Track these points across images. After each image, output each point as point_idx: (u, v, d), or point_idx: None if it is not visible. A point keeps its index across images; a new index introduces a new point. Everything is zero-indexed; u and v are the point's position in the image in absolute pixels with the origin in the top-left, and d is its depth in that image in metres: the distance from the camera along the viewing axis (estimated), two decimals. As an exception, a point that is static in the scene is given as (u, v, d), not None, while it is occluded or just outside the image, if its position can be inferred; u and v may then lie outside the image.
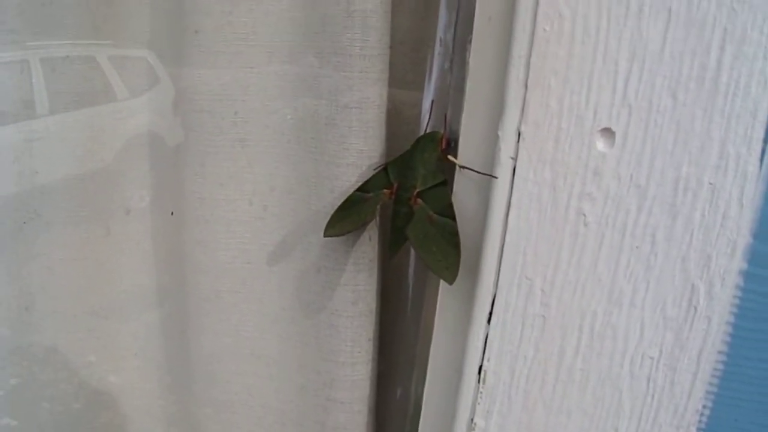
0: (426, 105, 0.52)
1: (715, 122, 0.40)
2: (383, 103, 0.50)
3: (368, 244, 0.53)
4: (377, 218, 0.52)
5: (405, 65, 0.51)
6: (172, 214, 0.58)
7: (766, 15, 0.38)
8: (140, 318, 0.62)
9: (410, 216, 0.46)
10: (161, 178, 0.59)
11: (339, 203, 0.50)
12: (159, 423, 0.65)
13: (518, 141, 0.43)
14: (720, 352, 0.44)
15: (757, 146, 0.40)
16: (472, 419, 0.49)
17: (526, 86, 0.42)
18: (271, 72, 0.52)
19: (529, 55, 0.41)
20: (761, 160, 0.40)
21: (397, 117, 0.51)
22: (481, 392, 0.48)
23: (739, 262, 0.42)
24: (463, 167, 0.45)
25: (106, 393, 0.64)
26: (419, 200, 0.46)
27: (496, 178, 0.44)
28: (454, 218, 0.44)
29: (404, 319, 0.57)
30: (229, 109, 0.53)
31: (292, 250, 0.55)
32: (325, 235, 0.50)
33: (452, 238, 0.44)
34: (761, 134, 0.40)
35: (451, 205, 0.45)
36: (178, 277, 0.59)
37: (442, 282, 0.48)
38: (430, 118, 0.50)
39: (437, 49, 0.51)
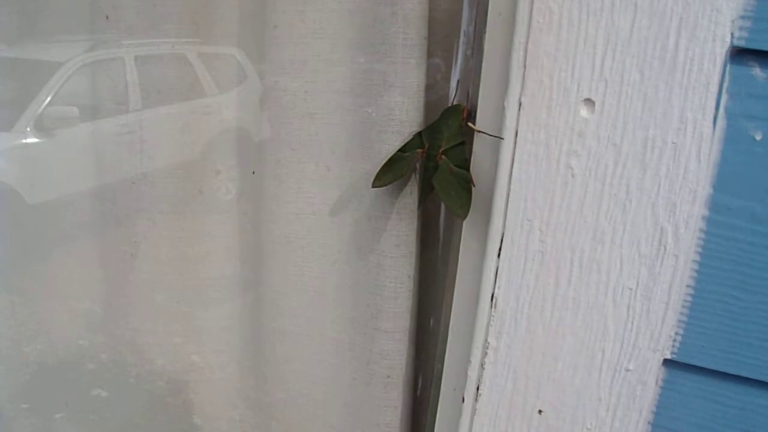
0: (453, 83, 0.66)
1: (675, 93, 0.51)
2: (422, 82, 0.64)
3: (409, 197, 0.66)
4: (416, 175, 0.66)
5: (437, 52, 0.65)
6: (253, 173, 0.73)
7: (713, 6, 0.49)
8: (223, 260, 0.78)
9: (436, 169, 0.60)
10: (245, 144, 0.75)
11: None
12: (229, 349, 0.80)
13: (519, 110, 0.55)
14: (688, 286, 0.54)
15: (710, 113, 0.51)
16: (486, 339, 0.61)
17: (524, 66, 0.55)
18: (334, 59, 0.66)
19: (527, 42, 0.54)
20: (714, 123, 0.51)
21: (431, 93, 0.65)
22: (493, 316, 0.61)
23: (700, 209, 0.53)
24: (479, 131, 0.58)
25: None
26: (443, 157, 0.59)
27: (502, 139, 0.56)
28: (468, 169, 0.58)
29: (436, 260, 0.70)
30: (301, 89, 0.68)
31: (349, 203, 0.69)
32: (373, 186, 0.64)
33: (466, 184, 0.57)
34: (713, 103, 0.51)
35: (466, 160, 0.58)
36: (256, 225, 0.74)
37: (464, 226, 0.62)
38: (456, 93, 0.63)
39: (461, 39, 0.64)
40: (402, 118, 0.64)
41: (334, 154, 0.69)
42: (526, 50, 0.54)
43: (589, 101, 0.53)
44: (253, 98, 0.70)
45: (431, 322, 0.72)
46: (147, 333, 0.81)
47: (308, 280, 0.73)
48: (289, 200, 0.71)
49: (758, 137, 0.51)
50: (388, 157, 0.64)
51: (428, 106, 0.65)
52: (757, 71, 0.50)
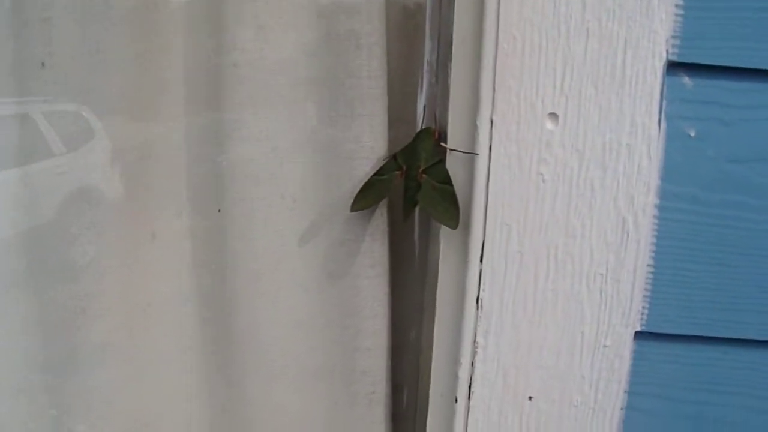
0: (420, 109, 0.73)
1: (625, 102, 0.61)
2: (385, 111, 0.70)
3: (380, 219, 0.72)
4: (387, 202, 0.72)
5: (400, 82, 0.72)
6: (219, 211, 0.75)
7: (650, 29, 0.60)
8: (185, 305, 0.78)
9: (418, 188, 0.66)
10: (208, 182, 0.76)
11: (356, 189, 0.70)
12: (205, 389, 0.80)
13: (491, 127, 0.63)
14: (649, 265, 0.65)
15: (655, 116, 0.62)
16: (474, 339, 0.68)
17: (494, 88, 0.62)
18: (298, 96, 0.71)
19: (495, 65, 0.62)
20: (659, 125, 0.62)
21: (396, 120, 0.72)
22: (480, 317, 0.67)
23: (653, 198, 0.63)
24: (453, 150, 0.65)
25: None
26: (424, 175, 0.66)
27: (477, 154, 0.64)
28: (451, 184, 0.64)
29: (412, 276, 0.77)
30: (264, 125, 0.72)
31: (319, 231, 0.74)
32: (352, 210, 0.69)
33: (452, 198, 0.64)
34: (656, 107, 0.61)
35: (448, 176, 0.65)
36: (220, 266, 0.75)
37: (442, 239, 0.68)
38: (423, 118, 0.70)
39: (425, 67, 0.71)
40: (371, 145, 0.70)
41: (302, 186, 0.73)
42: (494, 73, 0.62)
43: (553, 115, 0.62)
44: (105, 155, 0.68)
45: (412, 335, 0.78)
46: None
47: (281, 312, 0.76)
48: (256, 236, 0.74)
49: (692, 134, 0.62)
50: (360, 181, 0.70)
51: (395, 132, 0.71)
52: (686, 80, 0.62)
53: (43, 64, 0.64)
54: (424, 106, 0.72)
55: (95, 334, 0.70)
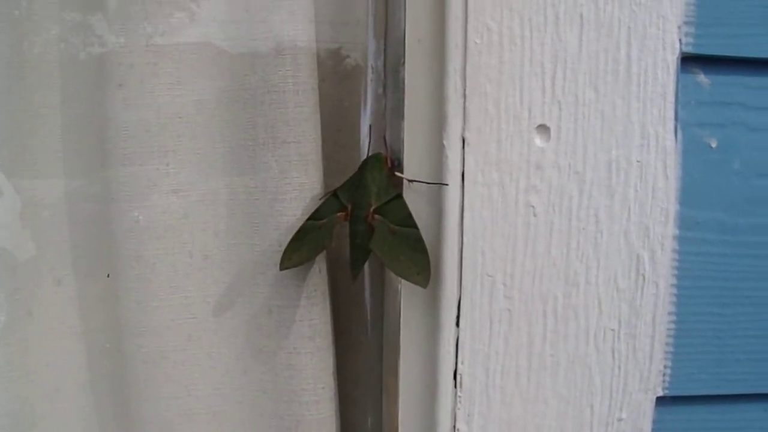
0: (364, 130, 0.58)
1: (633, 107, 0.49)
2: (318, 135, 0.55)
3: (318, 276, 0.57)
4: (326, 253, 0.57)
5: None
6: (108, 276, 0.59)
7: (658, 13, 0.48)
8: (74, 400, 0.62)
9: (369, 233, 0.51)
10: (93, 241, 0.60)
11: (286, 239, 0.54)
12: None
13: (463, 147, 0.50)
14: (670, 313, 0.52)
15: (671, 123, 0.50)
16: (454, 426, 0.54)
17: (464, 96, 0.49)
18: (201, 120, 0.55)
19: (464, 68, 0.49)
20: (675, 135, 0.50)
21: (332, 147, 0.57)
22: (459, 396, 0.53)
23: (672, 228, 0.51)
24: (413, 180, 0.51)
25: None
26: (377, 216, 0.51)
27: (446, 185, 0.50)
28: (416, 226, 0.50)
29: (364, 347, 0.62)
30: (161, 161, 0.56)
31: (239, 296, 0.58)
32: (282, 268, 0.53)
33: (418, 245, 0.50)
34: (672, 113, 0.50)
35: (410, 215, 0.50)
36: (116, 343, 0.59)
37: (402, 297, 0.54)
38: (370, 142, 0.56)
39: (369, 76, 0.57)
40: (301, 181, 0.55)
41: (215, 238, 0.57)
42: (464, 77, 0.49)
43: (543, 127, 0.49)
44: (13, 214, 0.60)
45: (369, 423, 0.62)
46: None
47: (195, 402, 0.59)
48: (159, 304, 0.58)
49: (713, 144, 0.51)
50: (290, 230, 0.54)
51: (331, 161, 0.56)
52: (702, 78, 0.50)
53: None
54: (370, 126, 0.58)
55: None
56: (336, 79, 0.58)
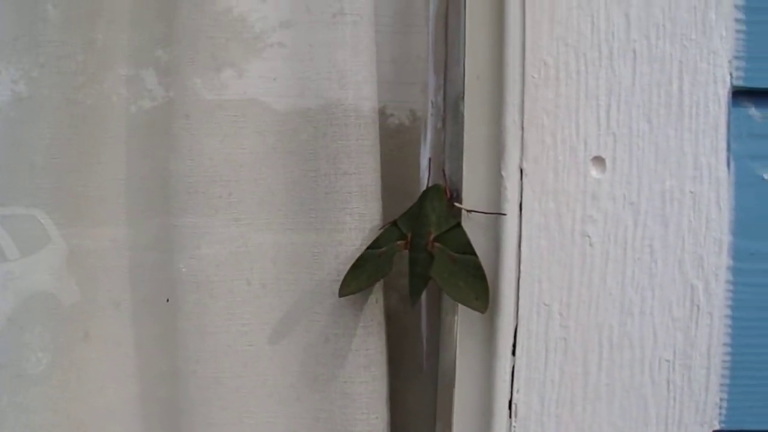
0: (424, 163, 0.61)
1: (686, 139, 0.51)
2: (378, 167, 0.58)
3: (375, 306, 0.59)
4: (382, 283, 0.59)
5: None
6: (167, 301, 0.61)
7: (709, 48, 0.51)
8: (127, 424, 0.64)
9: (429, 260, 0.53)
10: (153, 265, 0.62)
11: (344, 268, 0.56)
12: None
13: (521, 177, 0.52)
14: (725, 344, 0.53)
15: (723, 154, 0.52)
16: (509, 456, 0.54)
17: (522, 128, 0.52)
18: (262, 151, 0.58)
19: (522, 101, 0.51)
20: (728, 166, 0.52)
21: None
22: (514, 426, 0.54)
23: (726, 259, 0.52)
24: (471, 210, 0.53)
25: None
26: (437, 244, 0.53)
27: (504, 215, 0.52)
28: (475, 254, 0.52)
29: (419, 377, 0.63)
30: (224, 190, 0.59)
31: (296, 324, 0.60)
32: (341, 295, 0.55)
33: (477, 272, 0.52)
34: (724, 144, 0.52)
35: (469, 243, 0.52)
36: (172, 369, 0.61)
37: (459, 326, 0.55)
38: (429, 174, 0.58)
39: (429, 110, 0.60)
40: (360, 211, 0.57)
41: (274, 266, 0.59)
42: (522, 110, 0.51)
43: (599, 159, 0.51)
44: (60, 260, 0.64)
45: (422, 453, 0.63)
46: None
47: (247, 429, 0.61)
48: (216, 330, 0.60)
49: (766, 176, 0.52)
50: (348, 260, 0.57)
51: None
52: (753, 111, 0.52)
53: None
54: (429, 159, 0.60)
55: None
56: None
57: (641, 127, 0.51)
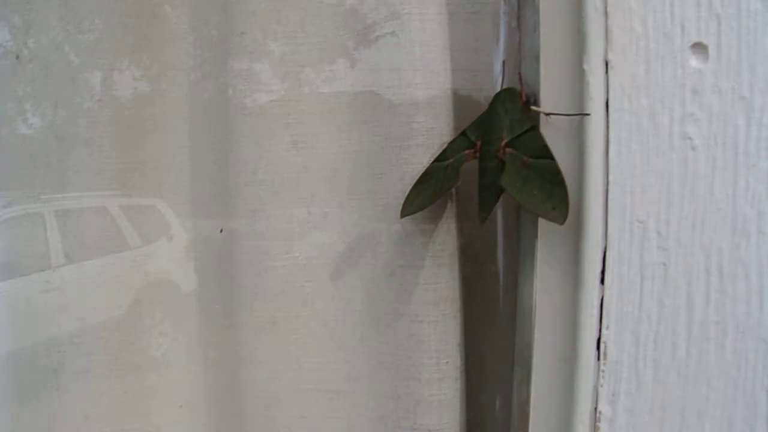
0: (497, 67, 0.55)
1: (810, 18, 0.43)
2: (448, 77, 0.53)
3: (446, 234, 0.53)
4: (455, 209, 0.53)
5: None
6: (221, 231, 0.58)
7: None
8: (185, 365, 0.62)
9: (501, 169, 0.47)
10: (209, 193, 0.60)
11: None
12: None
13: (606, 71, 0.45)
14: None
15: None
16: (595, 408, 0.47)
17: (606, 13, 0.45)
18: (322, 69, 0.55)
19: (606, -21, 0.45)
20: None
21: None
22: (602, 371, 0.47)
23: None
24: (550, 113, 0.47)
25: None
26: (509, 150, 0.47)
27: (588, 114, 0.45)
28: (552, 158, 0.46)
29: (496, 314, 0.56)
30: (282, 111, 0.55)
31: (360, 257, 0.55)
32: (403, 215, 0.50)
33: (555, 177, 0.45)
34: None
35: (546, 146, 0.46)
36: (227, 306, 0.58)
37: (539, 252, 0.49)
38: (503, 79, 0.52)
39: (503, 8, 0.54)
40: (428, 125, 0.52)
41: (333, 193, 0.55)
42: (605, -9, 0.45)
43: (700, 46, 0.44)
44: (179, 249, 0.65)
45: (497, 405, 0.56)
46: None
47: (307, 374, 0.57)
48: (273, 263, 0.56)
49: None
50: (413, 180, 0.51)
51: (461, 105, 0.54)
52: None
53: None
54: (503, 62, 0.54)
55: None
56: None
57: (753, 4, 0.43)
